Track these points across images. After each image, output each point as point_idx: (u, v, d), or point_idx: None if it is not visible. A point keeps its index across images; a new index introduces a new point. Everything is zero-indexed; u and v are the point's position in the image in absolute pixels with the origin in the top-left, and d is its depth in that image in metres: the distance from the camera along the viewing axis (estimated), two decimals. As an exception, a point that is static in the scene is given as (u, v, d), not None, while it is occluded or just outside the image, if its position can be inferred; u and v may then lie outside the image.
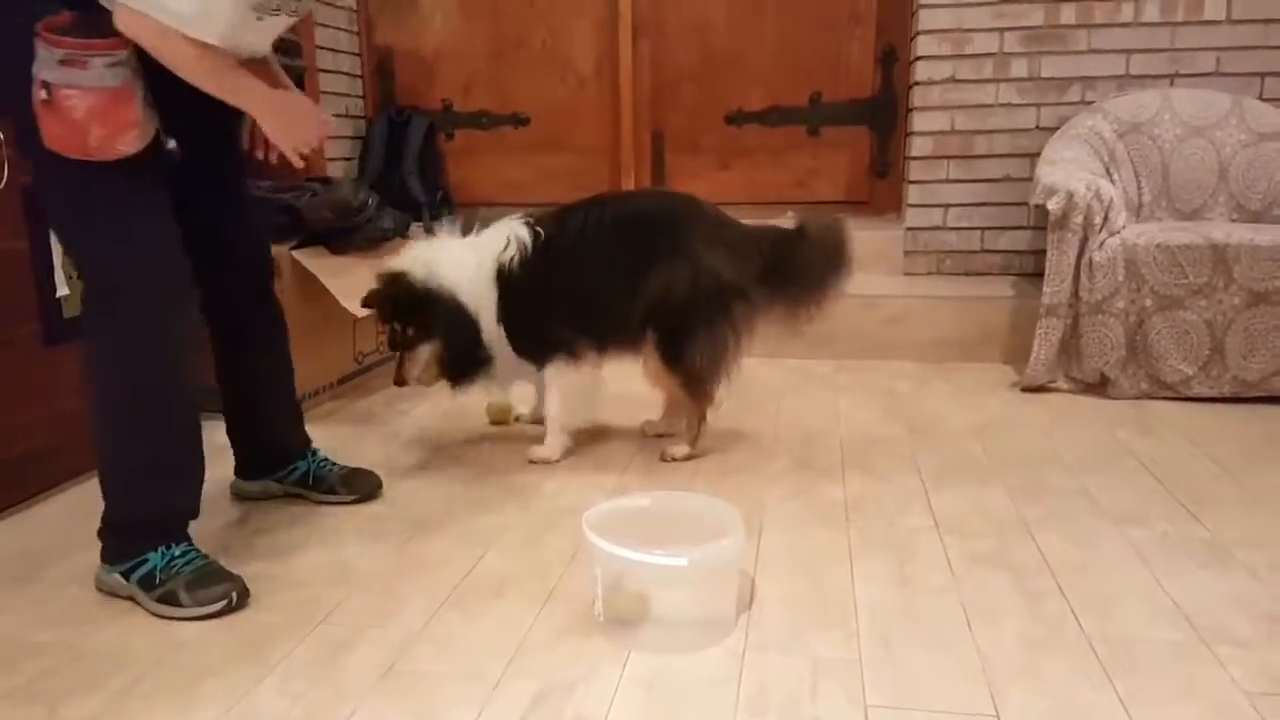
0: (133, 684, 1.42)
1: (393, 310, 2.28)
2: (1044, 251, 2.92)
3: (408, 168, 3.88)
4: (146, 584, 1.65)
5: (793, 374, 3.18)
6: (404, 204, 3.68)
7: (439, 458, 2.44)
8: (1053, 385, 2.93)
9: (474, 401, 2.56)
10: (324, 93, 3.71)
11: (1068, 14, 3.35)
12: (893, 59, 3.70)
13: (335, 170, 3.82)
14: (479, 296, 2.26)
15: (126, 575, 1.67)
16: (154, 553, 1.67)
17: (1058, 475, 2.23)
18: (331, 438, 2.53)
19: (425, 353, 2.29)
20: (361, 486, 2.13)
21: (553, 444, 2.38)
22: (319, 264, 2.69)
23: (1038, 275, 3.27)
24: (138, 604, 1.66)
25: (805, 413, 2.76)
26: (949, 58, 3.44)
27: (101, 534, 1.72)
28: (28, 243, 2.06)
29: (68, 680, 1.44)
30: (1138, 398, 2.83)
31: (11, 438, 2.07)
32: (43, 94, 1.48)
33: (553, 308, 2.29)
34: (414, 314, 2.25)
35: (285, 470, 2.12)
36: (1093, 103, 3.35)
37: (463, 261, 2.27)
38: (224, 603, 1.63)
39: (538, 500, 2.12)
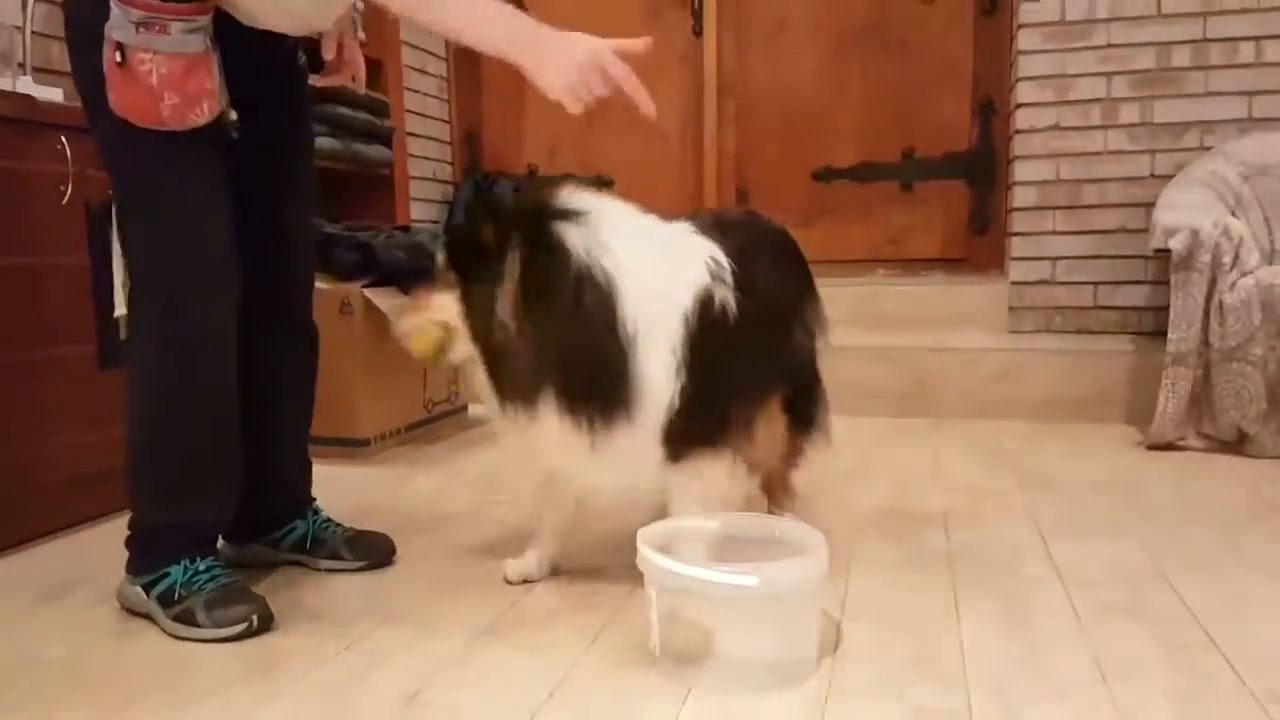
0: (125, 702, 1.27)
1: (482, 216, 1.53)
2: (1165, 308, 2.66)
3: (490, 229, 3.84)
4: (165, 600, 1.51)
5: (882, 431, 2.93)
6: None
7: (498, 493, 2.28)
8: (1182, 443, 2.61)
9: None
10: (412, 156, 3.73)
11: (1180, 56, 3.14)
12: (990, 111, 3.53)
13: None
14: (653, 318, 1.47)
15: (148, 589, 1.54)
16: (176, 566, 1.53)
17: (1198, 530, 1.93)
18: (385, 477, 2.41)
19: (501, 299, 1.47)
20: (371, 551, 1.80)
21: None
22: (390, 304, 2.62)
23: (1159, 334, 2.98)
24: (155, 623, 1.52)
25: (899, 466, 2.51)
26: (1052, 104, 3.25)
27: (128, 543, 1.59)
28: (88, 259, 2.02)
29: (57, 696, 1.30)
30: (1282, 457, 2.50)
31: (58, 460, 1.99)
32: (116, 56, 1.39)
33: (738, 373, 1.57)
34: (515, 234, 1.47)
35: (282, 530, 1.79)
36: (1211, 148, 3.10)
37: (645, 252, 1.51)
38: (243, 625, 1.47)
39: (591, 535, 1.92)
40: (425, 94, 3.86)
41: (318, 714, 1.23)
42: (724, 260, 1.54)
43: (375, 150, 3.34)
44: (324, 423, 2.60)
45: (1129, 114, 3.20)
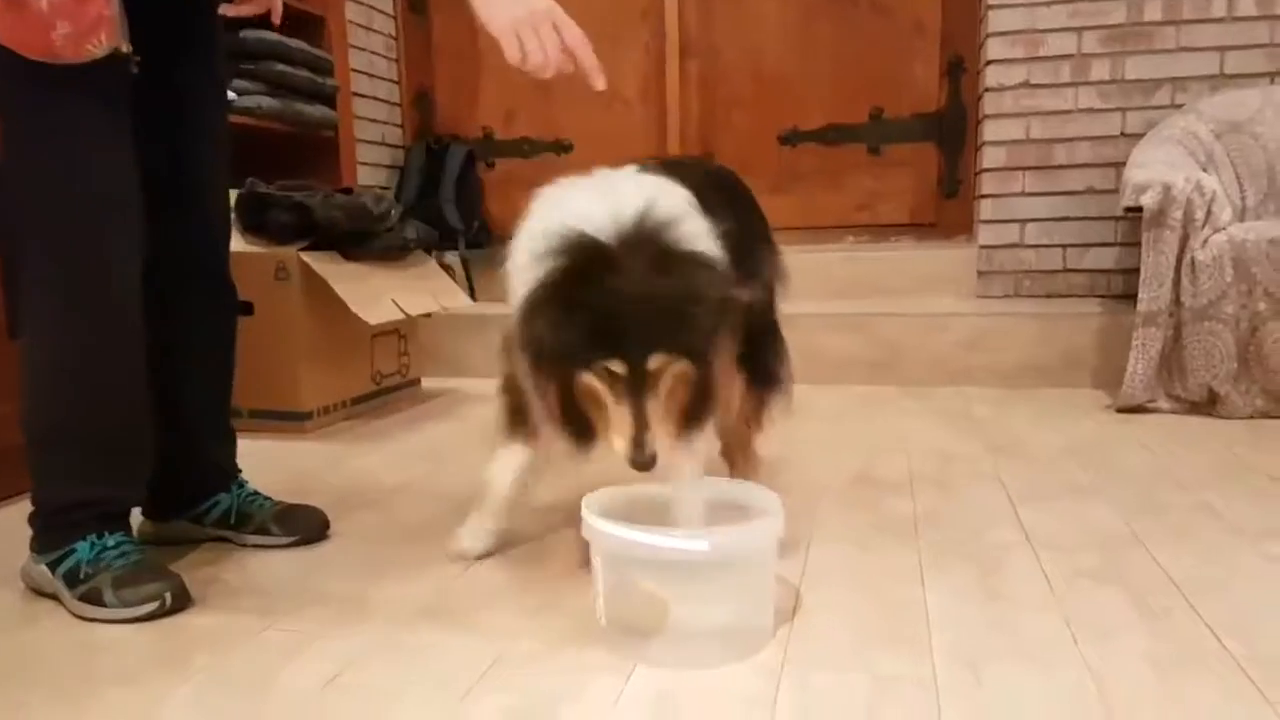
0: (20, 692, 1.15)
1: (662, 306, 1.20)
2: (1134, 271, 2.59)
3: (444, 196, 3.71)
4: (71, 579, 1.39)
5: (850, 399, 2.85)
6: (441, 234, 3.50)
7: (449, 466, 2.16)
8: (1152, 405, 2.55)
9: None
10: (358, 118, 3.58)
11: (1152, 10, 3.06)
12: (960, 70, 3.43)
13: (370, 198, 3.67)
14: None
15: (53, 567, 1.41)
16: (83, 543, 1.40)
17: (1171, 491, 1.86)
18: (327, 452, 2.29)
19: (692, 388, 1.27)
20: (301, 527, 1.67)
21: None
22: (330, 268, 2.49)
23: (1128, 297, 2.92)
24: (61, 604, 1.40)
25: (867, 433, 2.42)
26: (1022, 61, 3.16)
27: (31, 519, 1.45)
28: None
29: (-55, 685, 1.18)
30: (1252, 416, 2.44)
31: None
32: None
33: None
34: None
35: (204, 505, 1.67)
36: (1183, 105, 3.02)
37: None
38: (154, 604, 1.35)
39: (547, 511, 1.82)
40: (372, 52, 3.70)
41: (226, 700, 1.12)
42: (687, 194, 1.37)
43: (318, 111, 3.18)
44: (262, 395, 2.50)
45: (1100, 70, 3.12)
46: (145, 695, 1.13)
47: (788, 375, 1.71)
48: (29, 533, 1.46)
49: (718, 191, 1.51)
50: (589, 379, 1.21)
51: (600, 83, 1.38)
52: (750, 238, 1.59)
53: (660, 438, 1.20)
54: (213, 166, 1.63)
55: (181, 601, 1.38)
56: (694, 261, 1.23)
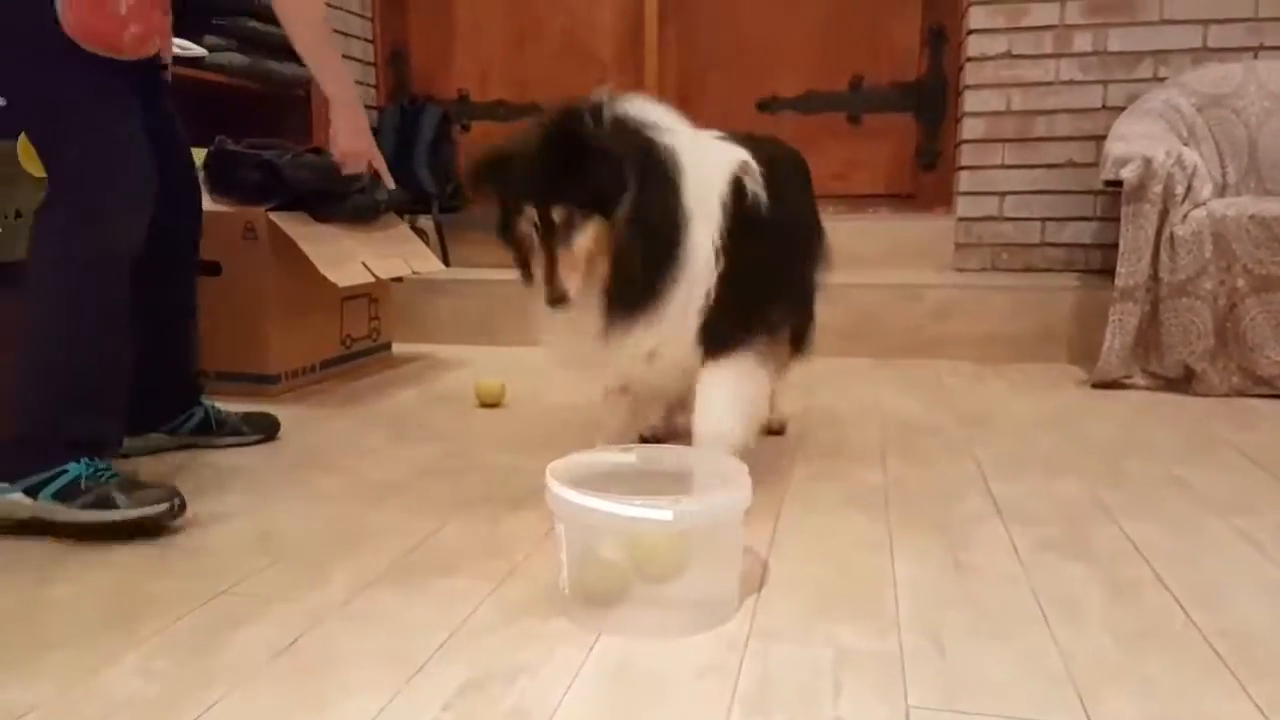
0: (-41, 654, 1.12)
1: (556, 164, 1.39)
2: (1112, 246, 2.57)
3: (418, 158, 3.64)
4: (68, 494, 1.47)
5: (822, 369, 2.82)
6: (414, 197, 3.44)
7: (412, 434, 2.13)
8: (1128, 381, 2.55)
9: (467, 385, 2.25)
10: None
11: (1136, -19, 3.03)
12: (941, 39, 3.39)
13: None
14: (700, 199, 1.48)
15: (34, 491, 1.48)
16: (76, 464, 1.50)
17: (1142, 464, 1.86)
18: (295, 416, 2.24)
19: (591, 235, 1.42)
20: (264, 427, 2.04)
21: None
22: (299, 229, 2.43)
23: (1105, 272, 2.92)
24: (43, 521, 1.47)
25: (838, 404, 2.41)
26: (1004, 31, 3.13)
27: (8, 448, 1.52)
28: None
29: (-118, 649, 1.14)
30: (1228, 394, 2.44)
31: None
32: None
33: (767, 273, 1.60)
34: (589, 171, 1.39)
35: (181, 419, 1.95)
36: (1165, 79, 3.00)
37: (689, 136, 1.52)
38: (166, 505, 1.48)
39: (515, 477, 1.80)
40: (346, 11, 3.61)
41: (173, 664, 1.08)
42: (753, 164, 1.59)
43: (289, 68, 3.10)
44: (231, 357, 2.46)
45: (1082, 42, 3.09)
46: (91, 659, 1.10)
47: (811, 345, 1.95)
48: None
49: (784, 168, 1.73)
50: (522, 228, 1.46)
51: (389, 182, 2.19)
52: (808, 216, 1.89)
53: (572, 279, 1.40)
54: (185, 149, 1.89)
55: (183, 508, 1.50)
56: (639, 142, 1.42)
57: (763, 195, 1.56)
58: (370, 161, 2.05)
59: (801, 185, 1.89)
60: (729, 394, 1.58)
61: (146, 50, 1.62)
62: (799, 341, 1.88)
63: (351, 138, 1.97)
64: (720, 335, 1.54)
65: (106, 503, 1.45)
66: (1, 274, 1.92)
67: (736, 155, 1.58)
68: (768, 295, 1.63)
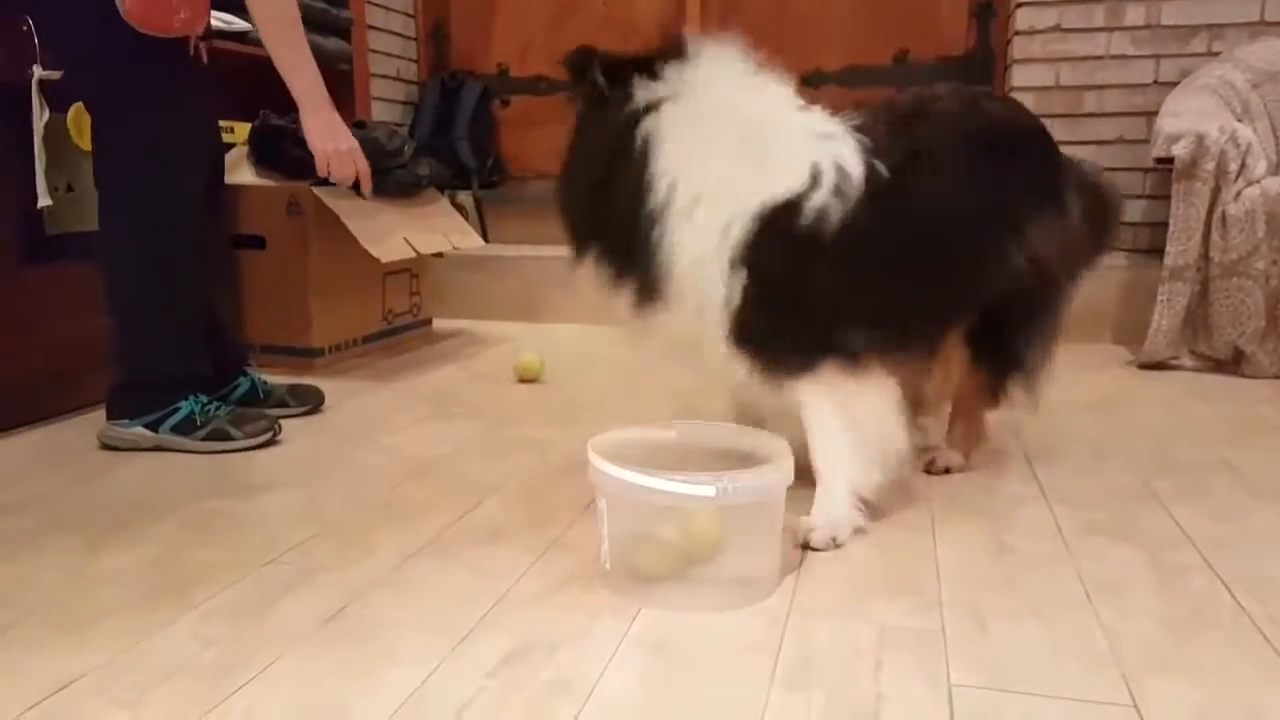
0: (15, 621, 1.14)
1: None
2: (1161, 224, 2.52)
3: (458, 134, 3.65)
4: (185, 428, 1.77)
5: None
6: (454, 172, 3.45)
7: (452, 409, 2.15)
8: (1175, 362, 2.50)
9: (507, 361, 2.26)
10: (373, 51, 3.51)
11: (1191, -47, 2.95)
12: (989, 12, 3.33)
13: (383, 135, 3.61)
14: (697, 202, 1.33)
15: (154, 426, 1.77)
16: (185, 401, 1.78)
17: (1189, 449, 1.83)
18: (338, 389, 2.27)
19: None
20: (309, 398, 2.07)
21: (834, 511, 1.37)
22: (342, 204, 2.45)
23: (1153, 251, 2.85)
24: (167, 449, 1.77)
25: (881, 383, 2.38)
26: (1054, 4, 3.05)
27: (121, 391, 1.79)
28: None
29: (-53, 610, 1.18)
30: (1278, 376, 2.39)
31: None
32: None
33: (849, 287, 1.36)
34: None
35: (227, 389, 1.97)
36: (1219, 54, 2.92)
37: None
38: (269, 433, 1.81)
39: (554, 452, 1.81)
40: (389, -15, 3.62)
41: (226, 630, 1.11)
42: (851, 164, 1.35)
43: (332, 43, 3.11)
44: (274, 330, 2.49)
45: (1135, 15, 3.01)
46: (146, 623, 1.13)
47: (1041, 360, 1.61)
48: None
49: (962, 143, 1.44)
50: None
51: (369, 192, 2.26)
52: (1004, 200, 1.46)
53: None
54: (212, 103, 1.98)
55: (279, 431, 1.84)
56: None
57: (836, 208, 1.32)
58: (355, 164, 2.02)
59: (987, 165, 1.44)
60: (826, 423, 1.38)
61: (196, 29, 1.74)
62: (1004, 358, 1.58)
63: (326, 138, 1.93)
64: (770, 349, 1.35)
65: (223, 435, 1.77)
66: (53, 244, 1.96)
67: (802, 162, 1.34)
68: (874, 314, 1.37)
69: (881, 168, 1.36)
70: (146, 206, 1.73)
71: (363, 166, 2.04)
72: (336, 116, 1.96)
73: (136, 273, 1.76)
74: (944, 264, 1.41)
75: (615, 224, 1.37)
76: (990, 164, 1.44)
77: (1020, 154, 1.50)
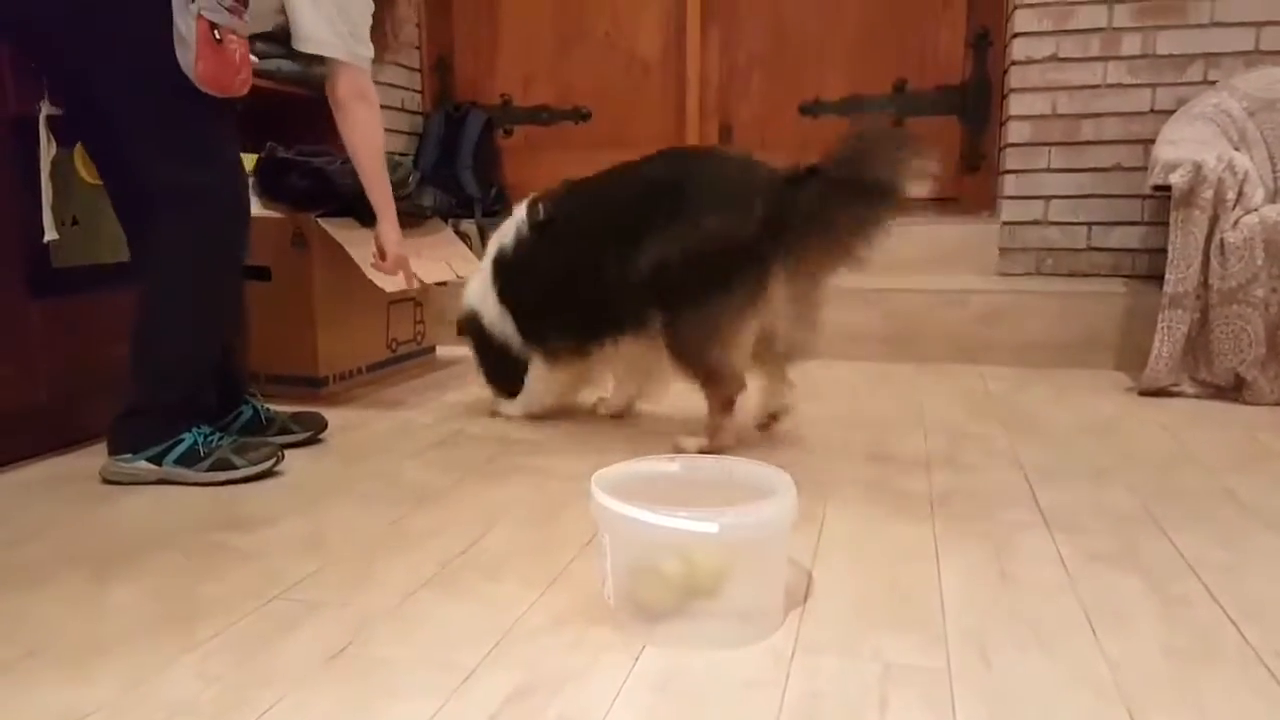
0: (20, 657, 1.15)
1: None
2: (1160, 251, 2.53)
3: (462, 163, 3.68)
4: (189, 460, 1.78)
5: (865, 375, 2.82)
6: (458, 201, 3.48)
7: (456, 437, 2.16)
8: (1176, 389, 2.51)
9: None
10: (378, 83, 3.53)
11: (1186, -17, 2.98)
12: (985, 42, 3.36)
13: (386, 164, 3.64)
14: (484, 296, 2.26)
15: (158, 459, 1.78)
16: (189, 433, 1.80)
17: (1191, 475, 1.84)
18: (342, 419, 2.28)
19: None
20: (312, 424, 2.10)
21: (511, 410, 2.33)
22: (347, 235, 2.47)
23: (1153, 278, 2.87)
24: (172, 483, 1.78)
25: (882, 410, 2.40)
26: (1050, 34, 3.09)
27: (126, 423, 1.79)
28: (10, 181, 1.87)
29: (-47, 647, 1.18)
30: (1279, 403, 2.40)
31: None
32: (215, 34, 1.68)
33: (538, 295, 2.19)
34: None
35: (229, 417, 2.00)
36: (1215, 82, 2.95)
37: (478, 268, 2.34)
38: (273, 460, 1.83)
39: (557, 481, 1.81)
40: (393, 18, 3.65)
41: (229, 668, 1.11)
42: (522, 213, 2.23)
43: (337, 75, 3.14)
44: (280, 360, 2.50)
45: (1130, 45, 3.04)
46: (151, 660, 1.13)
47: (698, 335, 1.97)
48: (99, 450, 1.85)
49: (639, 190, 2.06)
50: None
51: (414, 285, 2.46)
52: (660, 223, 1.98)
53: None
54: None
55: (282, 457, 1.86)
56: None
57: (517, 240, 2.19)
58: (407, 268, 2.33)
59: (630, 200, 2.02)
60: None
61: (246, 89, 1.81)
62: (672, 338, 1.96)
63: (399, 243, 2.24)
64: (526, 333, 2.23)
65: (227, 465, 1.78)
66: (60, 277, 1.98)
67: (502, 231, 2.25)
68: (543, 313, 2.18)
69: (540, 210, 2.17)
70: (203, 251, 1.81)
71: (408, 268, 2.33)
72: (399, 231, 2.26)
73: (179, 311, 1.82)
74: (582, 275, 2.05)
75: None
76: (627, 202, 2.02)
77: (653, 189, 1.99)
